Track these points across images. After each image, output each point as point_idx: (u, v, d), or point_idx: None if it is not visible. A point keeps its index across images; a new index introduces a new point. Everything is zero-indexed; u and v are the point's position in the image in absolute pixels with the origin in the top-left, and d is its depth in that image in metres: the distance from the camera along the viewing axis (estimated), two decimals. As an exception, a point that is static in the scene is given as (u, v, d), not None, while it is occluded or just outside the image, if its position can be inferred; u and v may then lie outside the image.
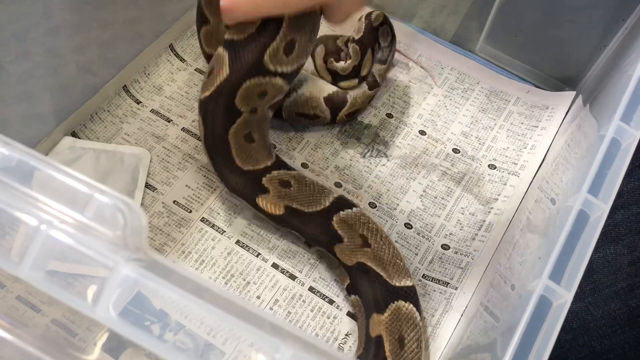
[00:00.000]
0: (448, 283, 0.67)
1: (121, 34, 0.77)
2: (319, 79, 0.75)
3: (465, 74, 0.84)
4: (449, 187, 0.74)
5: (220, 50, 0.58)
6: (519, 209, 0.71)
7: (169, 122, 0.77)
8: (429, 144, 0.77)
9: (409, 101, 0.81)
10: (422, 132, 0.78)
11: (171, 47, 0.83)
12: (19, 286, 0.59)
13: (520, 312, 0.37)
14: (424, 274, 0.68)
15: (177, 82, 0.80)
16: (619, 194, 0.67)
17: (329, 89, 0.74)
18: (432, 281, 0.67)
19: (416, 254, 0.69)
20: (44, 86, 0.70)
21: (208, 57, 0.75)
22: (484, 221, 0.71)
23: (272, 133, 0.77)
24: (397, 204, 0.72)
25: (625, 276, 0.64)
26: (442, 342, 0.63)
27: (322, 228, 0.63)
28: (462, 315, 0.64)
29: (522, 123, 0.80)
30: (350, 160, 0.75)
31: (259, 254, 0.68)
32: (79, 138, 0.74)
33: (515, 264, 0.62)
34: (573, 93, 0.80)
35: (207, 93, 0.60)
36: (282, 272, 0.67)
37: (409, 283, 0.61)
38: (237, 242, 0.68)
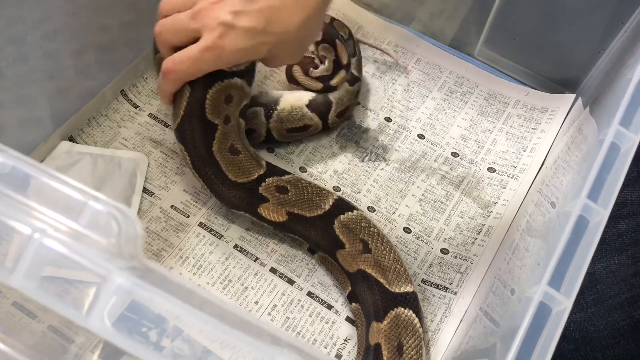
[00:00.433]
0: (447, 288, 0.67)
1: (119, 38, 0.77)
2: (295, 91, 0.75)
3: (464, 77, 0.84)
4: (448, 191, 0.74)
5: None
6: (518, 212, 0.71)
7: (166, 126, 0.76)
8: (427, 148, 0.77)
9: (407, 105, 0.81)
10: (421, 136, 0.78)
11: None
12: (15, 292, 0.59)
13: (520, 319, 0.37)
14: (423, 279, 0.67)
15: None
16: (624, 204, 0.67)
17: (307, 96, 0.73)
18: (431, 286, 0.67)
19: (415, 259, 0.68)
20: (41, 90, 0.70)
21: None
22: (484, 225, 0.71)
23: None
24: (396, 208, 0.72)
25: (629, 287, 0.64)
26: (441, 347, 0.63)
27: (324, 233, 0.63)
28: (461, 320, 0.64)
29: (521, 126, 0.79)
30: (349, 164, 0.75)
31: (257, 258, 0.67)
32: (77, 143, 0.74)
33: (515, 268, 0.62)
34: (573, 95, 0.80)
35: (178, 119, 0.62)
36: (281, 277, 0.66)
37: (409, 289, 0.60)
38: (235, 246, 0.68)
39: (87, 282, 0.29)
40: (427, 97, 0.82)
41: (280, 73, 0.82)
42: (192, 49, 0.55)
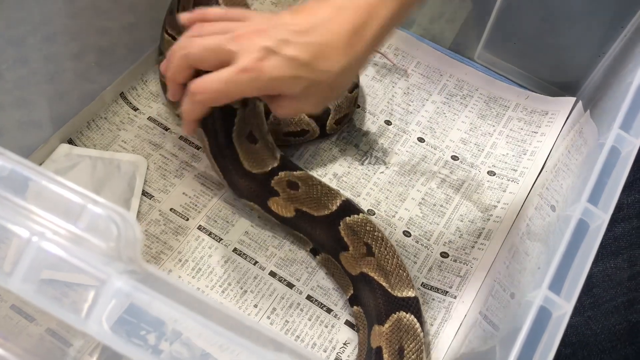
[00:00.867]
0: (447, 292, 0.66)
1: (119, 40, 0.77)
2: None
3: (464, 80, 0.84)
4: (447, 195, 0.73)
5: None
6: (518, 216, 0.71)
7: (166, 130, 0.76)
8: (427, 151, 0.77)
9: (407, 108, 0.81)
10: (421, 139, 0.78)
11: (169, 54, 0.83)
12: (13, 296, 0.59)
13: (520, 323, 0.37)
14: (422, 283, 0.67)
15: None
16: (620, 207, 0.67)
17: None
18: (431, 290, 0.67)
19: (415, 262, 0.68)
20: (41, 93, 0.70)
21: (164, 85, 0.77)
22: (483, 228, 0.71)
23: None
24: (396, 212, 0.72)
25: (626, 291, 0.64)
26: (441, 350, 0.62)
27: (329, 234, 0.63)
28: (461, 324, 0.64)
29: (521, 129, 0.79)
30: (349, 167, 0.75)
31: (257, 262, 0.67)
32: (76, 145, 0.74)
33: (515, 272, 0.61)
34: (573, 99, 0.80)
35: None
36: (280, 281, 0.66)
37: (411, 294, 0.60)
38: (235, 250, 0.68)
39: (86, 285, 0.29)
40: (427, 100, 0.82)
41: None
42: (225, 70, 0.51)
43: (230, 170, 0.65)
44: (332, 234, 0.63)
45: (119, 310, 0.29)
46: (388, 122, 0.79)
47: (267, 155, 0.66)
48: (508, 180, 0.75)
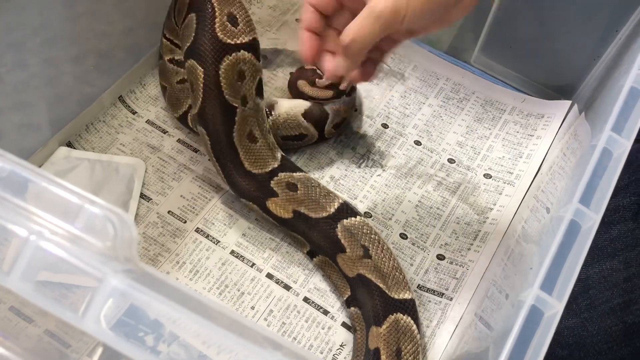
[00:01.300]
0: (443, 294, 0.67)
1: (117, 44, 0.77)
2: (291, 99, 0.76)
3: (461, 84, 0.85)
4: (444, 197, 0.74)
5: (189, 62, 0.62)
6: (514, 218, 0.71)
7: (164, 133, 0.77)
8: (424, 154, 0.78)
9: (404, 111, 0.81)
10: (418, 143, 0.79)
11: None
12: (12, 297, 0.59)
13: (512, 322, 0.37)
14: (419, 285, 0.68)
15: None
16: (615, 209, 0.67)
17: (303, 104, 0.74)
18: (427, 292, 0.67)
19: (411, 264, 0.69)
20: (40, 96, 0.71)
21: (164, 88, 0.78)
22: (480, 231, 0.71)
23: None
24: (393, 214, 0.72)
25: (622, 292, 0.64)
26: (437, 352, 0.63)
27: (326, 236, 0.64)
28: (456, 325, 0.64)
29: (517, 132, 0.80)
30: (346, 170, 0.76)
31: (254, 264, 0.68)
32: (74, 148, 0.74)
33: (510, 273, 0.62)
34: (569, 102, 0.80)
35: (199, 103, 0.63)
36: (277, 283, 0.67)
37: (407, 296, 0.61)
38: (232, 252, 0.68)
39: (83, 286, 0.30)
40: (423, 103, 0.82)
41: (277, 79, 0.82)
42: (367, 11, 0.48)
43: (231, 169, 0.66)
44: (329, 236, 0.64)
45: (116, 310, 0.29)
46: (385, 125, 0.80)
47: (268, 155, 0.66)
48: (504, 183, 0.75)
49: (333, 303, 0.66)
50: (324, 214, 0.64)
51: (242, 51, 0.62)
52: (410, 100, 0.82)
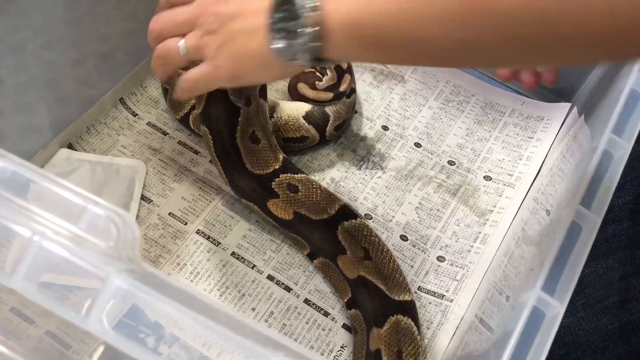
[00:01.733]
0: (443, 295, 0.67)
1: (118, 46, 0.77)
2: (292, 101, 0.76)
3: (461, 86, 0.85)
4: (444, 199, 0.74)
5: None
6: (514, 220, 0.71)
7: (165, 135, 0.77)
8: (424, 156, 0.78)
9: (404, 114, 0.81)
10: (418, 145, 0.79)
11: (168, 60, 0.83)
12: (13, 298, 0.59)
13: (514, 324, 0.37)
14: (419, 287, 0.68)
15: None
16: (610, 209, 0.67)
17: (304, 107, 0.74)
18: (427, 293, 0.67)
19: (412, 266, 0.69)
20: (41, 98, 0.71)
21: (165, 90, 0.78)
22: (480, 233, 0.71)
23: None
24: (393, 216, 0.72)
25: (617, 291, 0.64)
26: (437, 354, 0.63)
27: (327, 237, 0.64)
28: (457, 327, 0.64)
29: (517, 134, 0.80)
30: (346, 172, 0.76)
31: (255, 265, 0.68)
32: (75, 150, 0.74)
33: (511, 275, 0.62)
34: (568, 104, 0.81)
35: (203, 103, 0.63)
36: (278, 284, 0.67)
37: (408, 297, 0.61)
38: (233, 254, 0.68)
39: (86, 288, 0.30)
40: (423, 106, 0.83)
41: (277, 82, 0.83)
42: (206, 70, 0.53)
43: (232, 170, 0.66)
44: (330, 238, 0.64)
45: (119, 309, 0.29)
46: (385, 128, 0.80)
47: (270, 156, 0.66)
48: (504, 185, 0.75)
49: (334, 305, 0.66)
50: (325, 216, 0.64)
51: None
52: (410, 103, 0.83)
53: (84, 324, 0.27)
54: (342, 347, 0.64)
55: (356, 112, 0.81)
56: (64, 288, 0.30)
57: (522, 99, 0.83)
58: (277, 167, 0.66)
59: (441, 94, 0.84)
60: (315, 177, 0.75)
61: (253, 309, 0.65)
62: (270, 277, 0.67)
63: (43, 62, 0.69)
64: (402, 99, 0.83)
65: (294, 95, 0.77)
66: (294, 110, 0.73)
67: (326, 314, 0.65)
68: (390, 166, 0.76)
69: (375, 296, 0.61)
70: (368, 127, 0.80)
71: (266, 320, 0.64)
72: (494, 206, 0.73)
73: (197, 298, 0.30)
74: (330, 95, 0.74)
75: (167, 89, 0.77)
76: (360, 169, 0.76)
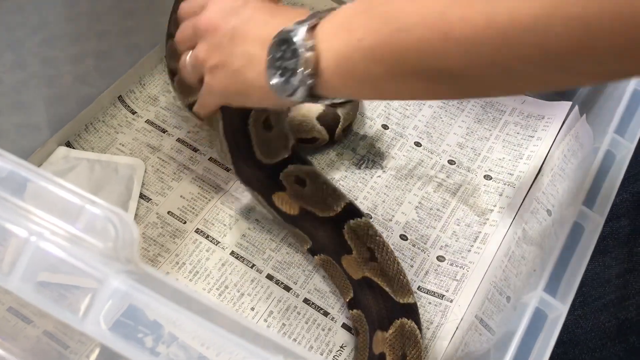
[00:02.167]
0: (443, 295, 0.67)
1: (117, 44, 0.77)
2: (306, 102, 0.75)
3: (461, 85, 0.84)
4: (444, 199, 0.74)
5: None
6: (514, 220, 0.71)
7: (164, 132, 0.77)
8: (424, 156, 0.77)
9: (404, 112, 0.81)
10: (418, 144, 0.78)
11: (167, 58, 0.83)
12: (11, 298, 0.59)
13: (515, 325, 0.37)
14: (419, 286, 0.67)
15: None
16: (608, 206, 0.67)
17: (316, 108, 0.73)
18: (427, 293, 0.67)
19: (411, 266, 0.69)
20: (39, 96, 0.70)
21: (172, 73, 0.75)
22: (480, 232, 0.71)
23: (267, 144, 0.77)
24: (393, 216, 0.72)
25: (614, 288, 0.64)
26: (437, 354, 0.63)
27: (332, 236, 0.63)
28: (457, 327, 0.64)
29: (517, 133, 0.80)
30: (346, 171, 0.75)
31: (254, 265, 0.67)
32: (74, 148, 0.74)
33: (511, 275, 0.62)
34: (569, 103, 0.80)
35: None
36: (277, 284, 0.66)
37: (411, 300, 0.60)
38: (232, 253, 0.68)
39: (83, 287, 0.29)
40: (423, 104, 0.82)
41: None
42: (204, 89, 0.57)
43: (241, 156, 0.64)
44: (336, 237, 0.63)
45: (117, 310, 0.29)
46: (385, 127, 0.80)
47: (280, 144, 0.65)
48: (504, 184, 0.75)
49: (333, 304, 0.66)
50: (331, 214, 0.63)
51: None
52: (410, 101, 0.82)
53: (81, 326, 0.27)
54: (341, 346, 0.63)
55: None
56: (61, 289, 0.29)
57: (522, 98, 0.83)
58: (286, 156, 0.65)
59: (441, 93, 0.83)
60: (315, 176, 0.75)
61: (252, 309, 0.64)
62: (269, 277, 0.67)
63: (41, 60, 0.69)
64: (402, 97, 0.83)
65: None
66: (309, 110, 0.73)
67: (326, 314, 0.65)
68: (390, 165, 0.76)
69: (381, 298, 0.60)
70: (368, 126, 0.79)
71: (265, 320, 0.64)
72: (494, 205, 0.73)
73: (198, 300, 0.30)
74: None
75: (175, 72, 0.75)
76: (360, 168, 0.76)
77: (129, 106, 0.79)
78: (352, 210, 0.64)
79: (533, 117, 0.81)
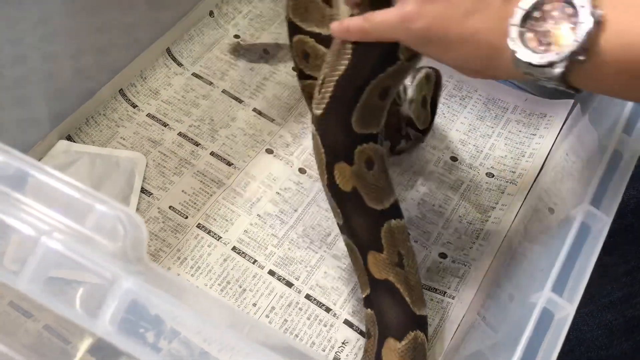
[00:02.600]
0: (445, 292, 0.67)
1: (118, 38, 0.76)
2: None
3: (463, 81, 0.84)
4: (446, 196, 0.74)
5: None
6: (516, 217, 0.71)
7: (165, 126, 0.76)
8: (427, 152, 0.77)
9: (406, 108, 0.81)
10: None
11: (168, 51, 0.82)
12: (12, 292, 0.59)
13: (522, 325, 0.37)
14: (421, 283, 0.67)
15: (174, 87, 0.80)
16: (613, 204, 0.67)
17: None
18: (429, 290, 0.67)
19: (413, 262, 0.68)
20: (40, 91, 0.70)
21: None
22: (482, 230, 0.71)
23: (268, 138, 0.76)
24: (395, 212, 0.72)
25: (621, 286, 0.64)
26: (439, 351, 0.63)
27: (370, 230, 0.58)
28: (459, 324, 0.64)
29: (520, 131, 0.80)
30: (348, 167, 0.75)
31: (256, 260, 0.67)
32: (75, 142, 0.73)
33: (513, 273, 0.62)
34: (571, 101, 0.80)
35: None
36: (279, 280, 0.66)
37: (424, 312, 0.59)
38: (234, 248, 0.68)
39: (92, 283, 0.29)
40: (426, 101, 0.82)
41: (279, 74, 0.82)
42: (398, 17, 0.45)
43: (334, 114, 0.56)
44: (372, 231, 0.58)
45: (122, 309, 0.29)
46: (387, 122, 0.79)
47: (376, 118, 0.57)
48: (506, 181, 0.75)
49: (335, 300, 0.66)
50: (378, 207, 0.58)
51: None
52: (413, 97, 0.82)
53: (92, 326, 0.27)
54: (343, 343, 0.63)
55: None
56: (69, 285, 0.29)
57: (525, 95, 0.83)
58: (374, 132, 0.57)
59: (444, 89, 0.83)
60: (317, 171, 0.74)
61: (254, 305, 0.64)
62: (271, 272, 0.67)
63: (42, 55, 0.68)
64: (404, 93, 0.82)
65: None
66: (419, 96, 0.71)
67: (328, 310, 0.65)
68: (392, 162, 0.76)
69: (399, 306, 0.58)
70: (370, 122, 0.79)
71: (267, 316, 0.64)
72: (496, 203, 0.73)
73: (205, 300, 0.29)
74: None
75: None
76: (362, 164, 0.75)
77: (129, 100, 0.78)
78: (396, 209, 0.59)
79: (535, 115, 0.81)
